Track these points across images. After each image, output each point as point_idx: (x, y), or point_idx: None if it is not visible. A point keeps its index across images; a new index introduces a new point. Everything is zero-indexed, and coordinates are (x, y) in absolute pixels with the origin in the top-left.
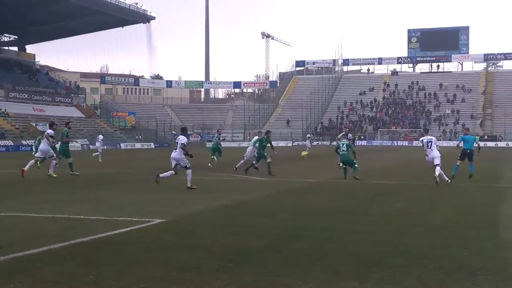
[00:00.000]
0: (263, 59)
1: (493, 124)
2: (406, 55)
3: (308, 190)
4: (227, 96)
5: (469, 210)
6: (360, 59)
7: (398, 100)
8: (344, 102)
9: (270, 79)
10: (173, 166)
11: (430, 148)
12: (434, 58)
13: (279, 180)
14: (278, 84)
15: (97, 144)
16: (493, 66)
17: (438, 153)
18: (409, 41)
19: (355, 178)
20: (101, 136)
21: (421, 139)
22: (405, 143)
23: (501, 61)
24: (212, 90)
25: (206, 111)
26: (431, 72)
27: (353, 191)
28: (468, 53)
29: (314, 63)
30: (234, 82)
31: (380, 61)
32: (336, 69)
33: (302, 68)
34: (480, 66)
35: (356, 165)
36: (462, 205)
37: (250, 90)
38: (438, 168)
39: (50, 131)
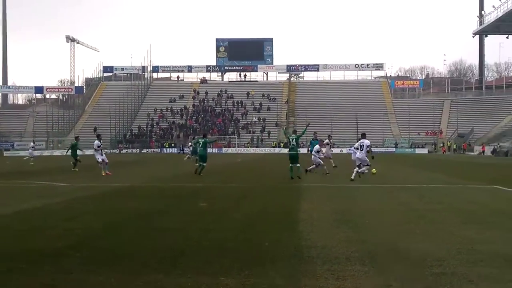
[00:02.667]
0: (68, 63)
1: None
2: (215, 63)
3: (117, 194)
4: (28, 102)
5: (273, 207)
6: (170, 66)
7: (207, 107)
8: (154, 109)
9: (76, 84)
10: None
11: (361, 150)
12: (242, 67)
13: (85, 186)
14: (84, 90)
15: (30, 150)
16: (295, 76)
17: (363, 155)
18: (218, 50)
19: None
20: (31, 144)
21: (358, 142)
22: (215, 150)
23: (302, 72)
24: (10, 95)
25: (4, 118)
26: (238, 81)
27: (161, 194)
28: (272, 63)
29: (122, 69)
30: (36, 87)
31: (189, 69)
32: (146, 75)
33: (110, 74)
34: (284, 77)
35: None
36: (266, 202)
37: (54, 95)
38: (363, 168)
39: None
